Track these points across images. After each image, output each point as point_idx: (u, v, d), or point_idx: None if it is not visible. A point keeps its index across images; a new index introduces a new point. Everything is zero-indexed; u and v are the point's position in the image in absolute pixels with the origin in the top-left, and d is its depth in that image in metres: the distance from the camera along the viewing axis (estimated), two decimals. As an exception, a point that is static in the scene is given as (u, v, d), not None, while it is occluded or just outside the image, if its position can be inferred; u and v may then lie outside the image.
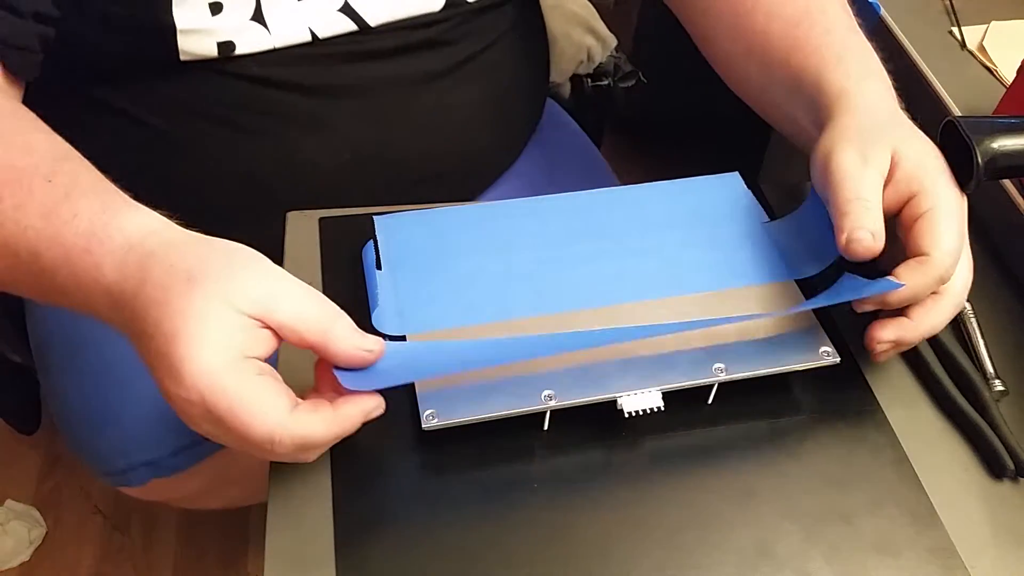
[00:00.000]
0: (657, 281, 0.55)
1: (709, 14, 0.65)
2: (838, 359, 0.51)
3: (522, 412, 0.49)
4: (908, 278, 0.48)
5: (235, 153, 0.60)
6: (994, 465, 0.51)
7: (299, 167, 0.70)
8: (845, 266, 0.52)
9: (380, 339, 0.46)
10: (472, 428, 0.48)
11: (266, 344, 0.44)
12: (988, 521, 0.49)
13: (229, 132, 0.67)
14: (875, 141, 0.51)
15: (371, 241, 0.57)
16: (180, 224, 0.48)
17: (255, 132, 0.65)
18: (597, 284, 0.55)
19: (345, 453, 0.49)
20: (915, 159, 0.50)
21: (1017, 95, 0.66)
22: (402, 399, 0.49)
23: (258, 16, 0.63)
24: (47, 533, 1.21)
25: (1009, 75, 0.73)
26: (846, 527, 0.48)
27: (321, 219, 0.61)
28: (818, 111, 0.55)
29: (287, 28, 0.64)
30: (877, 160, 0.50)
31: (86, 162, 0.51)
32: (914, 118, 0.54)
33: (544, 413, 0.49)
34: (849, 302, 0.51)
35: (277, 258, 0.59)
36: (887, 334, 0.50)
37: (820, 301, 0.52)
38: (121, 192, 0.49)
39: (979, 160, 0.49)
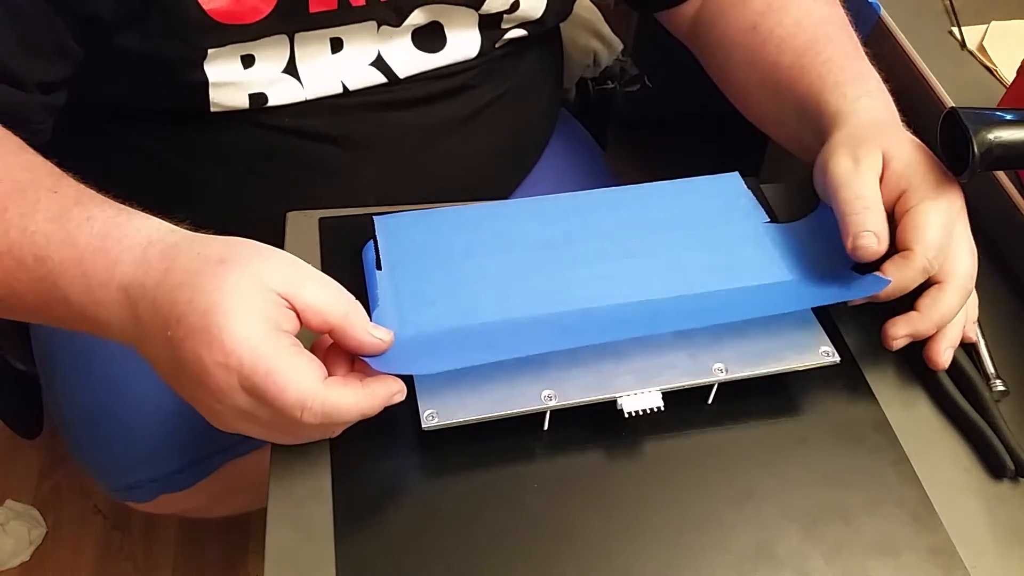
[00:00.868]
0: (657, 281, 0.55)
1: (726, 50, 0.69)
2: (838, 359, 0.51)
3: (522, 412, 0.49)
4: (892, 273, 0.51)
5: (261, 199, 0.61)
6: (994, 465, 0.51)
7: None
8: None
9: (390, 331, 0.48)
10: (472, 428, 0.48)
11: (292, 323, 0.45)
12: (988, 521, 0.49)
13: (256, 179, 0.67)
14: (866, 144, 0.54)
15: (371, 241, 0.57)
16: None
17: (282, 180, 0.66)
18: (597, 284, 0.55)
19: (345, 453, 0.49)
20: (904, 158, 0.53)
21: (1017, 95, 0.66)
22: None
23: (291, 69, 0.63)
24: (47, 533, 1.21)
25: (1009, 75, 0.73)
26: (846, 527, 0.48)
27: (321, 219, 0.61)
28: (820, 133, 0.58)
29: (320, 81, 0.64)
30: (869, 160, 0.53)
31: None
32: (914, 117, 0.55)
33: (544, 413, 0.49)
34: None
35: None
36: (900, 330, 0.52)
37: (812, 301, 0.53)
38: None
39: (975, 150, 0.50)
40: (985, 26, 0.78)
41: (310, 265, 0.47)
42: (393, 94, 0.68)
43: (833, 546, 0.47)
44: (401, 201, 0.63)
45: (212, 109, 0.63)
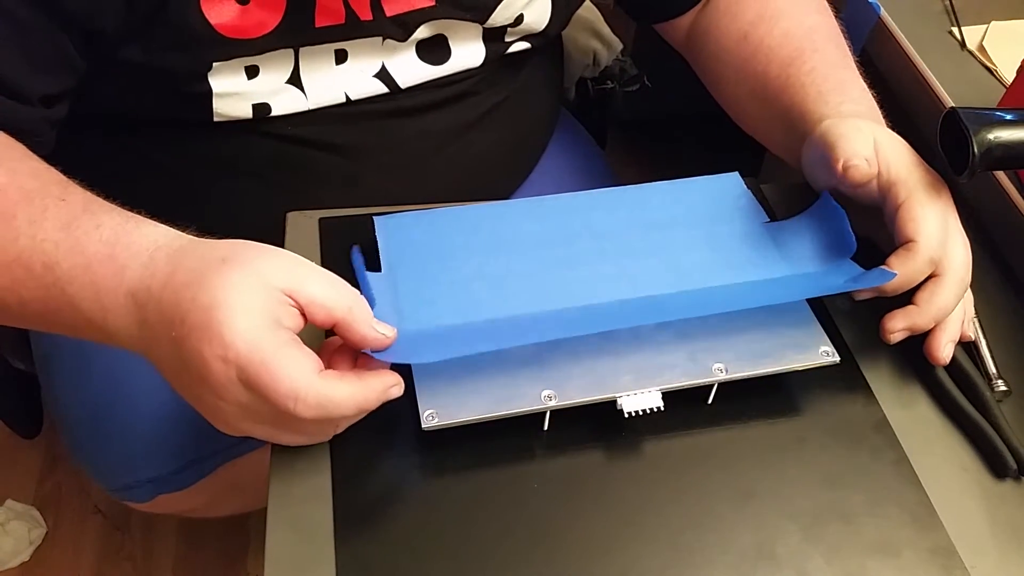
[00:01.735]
0: (657, 281, 0.55)
1: (719, 60, 0.69)
2: (837, 359, 0.51)
3: (522, 412, 0.48)
4: (899, 266, 0.51)
5: (264, 207, 0.61)
6: (996, 465, 0.51)
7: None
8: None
9: (393, 327, 0.48)
10: (472, 428, 0.48)
11: (295, 319, 0.45)
12: (988, 521, 0.49)
13: (259, 186, 0.67)
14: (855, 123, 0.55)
15: (356, 247, 0.56)
16: None
17: (284, 186, 0.66)
18: (597, 284, 0.55)
19: (345, 453, 0.49)
20: (891, 149, 0.54)
21: (1017, 95, 0.66)
22: (402, 399, 0.49)
23: (295, 79, 0.63)
24: (47, 533, 1.21)
25: (1009, 75, 0.73)
26: (846, 527, 0.48)
27: (321, 219, 0.61)
28: (805, 140, 0.58)
29: (323, 91, 0.65)
30: (864, 127, 0.54)
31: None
32: (914, 118, 0.55)
33: (544, 413, 0.49)
34: (847, 293, 0.53)
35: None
36: (898, 324, 0.52)
37: (814, 287, 0.53)
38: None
39: (975, 150, 0.50)
40: (985, 26, 0.78)
41: (313, 263, 0.47)
42: (395, 103, 0.68)
43: (833, 546, 0.47)
44: (402, 204, 0.63)
45: (215, 119, 0.63)
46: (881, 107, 0.61)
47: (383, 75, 0.66)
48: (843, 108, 0.58)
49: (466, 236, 0.57)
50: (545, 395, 0.49)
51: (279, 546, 0.46)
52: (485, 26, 0.67)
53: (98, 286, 0.47)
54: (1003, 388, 0.54)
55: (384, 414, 0.49)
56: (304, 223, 0.61)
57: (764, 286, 0.55)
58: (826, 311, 0.57)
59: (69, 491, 1.25)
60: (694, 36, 0.73)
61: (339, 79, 0.65)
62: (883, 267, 0.51)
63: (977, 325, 0.57)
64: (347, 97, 0.66)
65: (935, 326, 0.52)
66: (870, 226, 0.56)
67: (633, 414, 0.49)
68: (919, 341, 0.53)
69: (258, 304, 0.44)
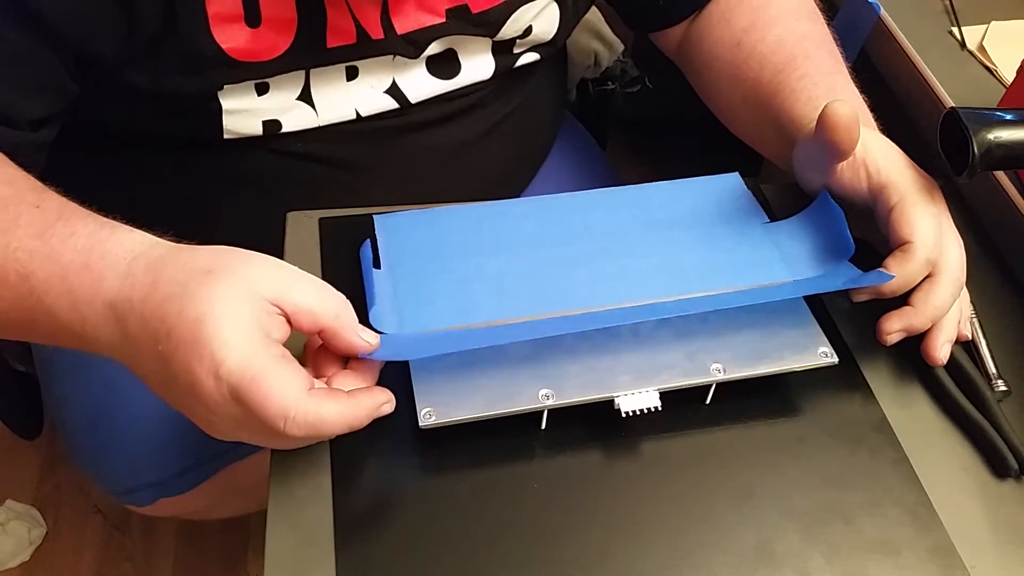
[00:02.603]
0: (657, 281, 0.55)
1: (712, 67, 0.69)
2: (836, 359, 0.51)
3: (519, 411, 0.48)
4: (896, 268, 0.51)
5: (272, 222, 0.61)
6: (997, 465, 0.51)
7: None
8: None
9: (377, 334, 0.48)
10: (470, 427, 0.48)
11: (282, 329, 0.45)
12: (988, 521, 0.49)
13: (268, 202, 0.67)
14: None
15: (368, 240, 0.57)
16: None
17: (294, 202, 0.66)
18: (597, 284, 0.55)
19: (345, 453, 0.49)
20: (880, 152, 0.54)
21: (1017, 95, 0.66)
22: (400, 398, 0.49)
23: (305, 96, 0.63)
24: (47, 533, 1.21)
25: (1009, 75, 0.73)
26: (846, 527, 0.48)
27: (321, 219, 0.61)
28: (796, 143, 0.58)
29: (334, 108, 0.65)
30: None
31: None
32: (914, 118, 0.55)
33: (542, 412, 0.49)
34: (844, 293, 0.53)
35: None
36: (894, 325, 0.52)
37: (812, 288, 0.53)
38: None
39: (975, 150, 0.50)
40: (985, 26, 0.78)
41: (298, 268, 0.47)
42: (406, 118, 0.68)
43: (833, 546, 0.47)
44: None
45: (225, 136, 0.63)
46: (880, 108, 0.61)
47: (393, 91, 0.66)
48: None
49: (466, 235, 0.57)
50: (543, 394, 0.49)
51: (279, 546, 0.46)
52: (495, 39, 0.67)
53: (75, 296, 0.46)
54: (1003, 388, 0.54)
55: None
56: (304, 223, 0.61)
57: (761, 288, 0.55)
58: (826, 311, 0.57)
59: (69, 491, 1.25)
60: (688, 44, 0.73)
61: (350, 96, 0.65)
62: (880, 269, 0.51)
63: (977, 325, 0.57)
64: (357, 113, 0.66)
65: (931, 327, 0.52)
66: (864, 227, 0.55)
67: (630, 414, 0.49)
68: (918, 341, 0.53)
69: (248, 316, 0.43)
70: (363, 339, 0.47)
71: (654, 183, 0.62)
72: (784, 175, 0.62)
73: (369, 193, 0.70)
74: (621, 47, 1.17)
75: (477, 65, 0.68)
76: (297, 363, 0.44)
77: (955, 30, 0.78)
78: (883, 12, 0.78)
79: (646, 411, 0.49)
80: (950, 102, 0.70)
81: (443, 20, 0.63)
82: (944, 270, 0.52)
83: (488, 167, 0.76)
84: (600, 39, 1.15)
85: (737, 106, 0.67)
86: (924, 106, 0.72)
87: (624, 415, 0.49)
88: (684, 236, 0.58)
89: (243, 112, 0.62)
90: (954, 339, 0.53)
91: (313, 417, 0.43)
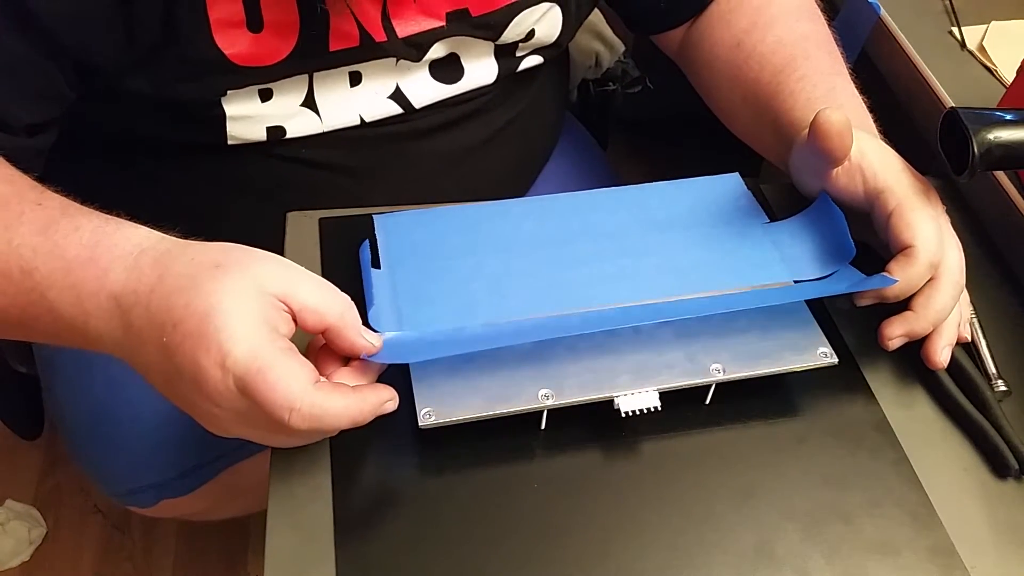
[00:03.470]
0: (657, 281, 0.55)
1: (713, 67, 0.69)
2: (836, 360, 0.51)
3: (519, 411, 0.48)
4: (899, 272, 0.51)
5: (277, 227, 0.60)
6: (998, 464, 0.51)
7: None
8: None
9: (380, 336, 0.48)
10: (470, 427, 0.48)
11: (288, 325, 0.45)
12: (988, 521, 0.49)
13: (272, 208, 0.67)
14: None
15: (367, 240, 0.57)
16: None
17: (298, 208, 0.66)
18: (597, 284, 0.55)
19: (345, 453, 0.49)
20: (877, 157, 0.53)
21: (1017, 95, 0.66)
22: (400, 398, 0.49)
23: (310, 102, 0.63)
24: (47, 533, 1.21)
25: (1009, 75, 0.73)
26: (846, 527, 0.48)
27: (321, 219, 0.61)
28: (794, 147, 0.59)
29: (338, 114, 0.64)
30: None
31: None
32: (914, 118, 0.55)
33: (541, 412, 0.49)
34: (847, 297, 0.53)
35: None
36: (896, 331, 0.52)
37: (816, 291, 0.53)
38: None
39: (975, 150, 0.50)
40: (985, 26, 0.78)
41: (304, 268, 0.47)
42: (410, 124, 0.68)
43: (833, 546, 0.47)
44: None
45: (229, 142, 0.63)
46: (880, 108, 0.61)
47: (397, 96, 0.66)
48: None
49: (466, 235, 0.57)
50: (542, 394, 0.49)
51: (279, 546, 0.46)
52: (497, 43, 0.67)
53: (79, 289, 0.46)
54: (1003, 388, 0.54)
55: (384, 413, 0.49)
56: (304, 223, 0.61)
57: (764, 291, 0.55)
58: (826, 312, 0.57)
59: (69, 491, 1.25)
60: (688, 45, 0.73)
61: (354, 101, 0.64)
62: (883, 274, 0.51)
63: (977, 325, 0.57)
64: (362, 119, 0.65)
65: (932, 331, 0.52)
66: (863, 230, 0.55)
67: (631, 414, 0.49)
68: (919, 343, 0.53)
69: (255, 310, 0.43)
70: (366, 340, 0.47)
71: (654, 183, 0.62)
72: (784, 175, 0.62)
73: (373, 198, 0.70)
74: (622, 48, 1.17)
75: (480, 69, 0.68)
76: (303, 357, 0.45)
77: (955, 30, 0.78)
78: (883, 12, 0.78)
79: (646, 411, 0.49)
80: (950, 102, 0.70)
81: (443, 23, 0.63)
82: (945, 274, 0.51)
83: (491, 172, 0.76)
84: (601, 40, 1.15)
85: (737, 106, 0.68)
86: (924, 106, 0.72)
87: (624, 415, 0.49)
88: (684, 236, 0.58)
89: (247, 119, 0.61)
90: (954, 342, 0.53)
91: (318, 410, 0.43)
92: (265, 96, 0.61)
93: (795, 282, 0.55)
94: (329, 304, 0.46)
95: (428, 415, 0.48)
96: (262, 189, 0.68)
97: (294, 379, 0.43)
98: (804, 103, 0.60)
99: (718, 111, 0.71)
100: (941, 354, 0.52)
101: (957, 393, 0.53)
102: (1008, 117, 0.52)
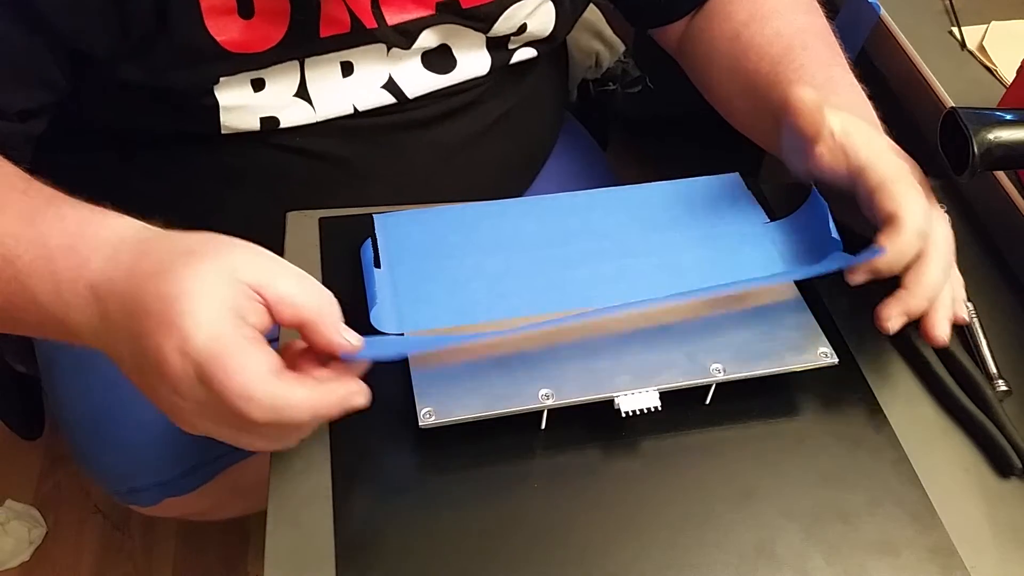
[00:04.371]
0: (656, 281, 0.55)
1: (712, 60, 0.70)
2: (836, 360, 0.51)
3: (519, 411, 0.48)
4: (887, 242, 0.50)
5: (271, 219, 0.60)
6: (1000, 464, 0.51)
7: None
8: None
9: (360, 336, 0.46)
10: (470, 427, 0.48)
11: (261, 316, 0.43)
12: (988, 521, 0.49)
13: (266, 199, 0.67)
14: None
15: (369, 239, 0.57)
16: None
17: (292, 199, 0.66)
18: (596, 284, 0.55)
19: (345, 453, 0.49)
20: (861, 137, 0.53)
21: (1017, 95, 0.66)
22: (400, 397, 0.49)
23: (302, 92, 0.63)
24: (47, 533, 1.21)
25: (1009, 75, 0.73)
26: (846, 527, 0.48)
27: (321, 219, 0.61)
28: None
29: (331, 103, 0.64)
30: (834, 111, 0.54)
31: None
32: (914, 118, 0.55)
33: (541, 412, 0.49)
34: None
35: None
36: (891, 310, 0.51)
37: (807, 272, 0.53)
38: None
39: (975, 150, 0.50)
40: (985, 26, 0.78)
41: (304, 268, 0.46)
42: (404, 115, 0.68)
43: (833, 546, 0.47)
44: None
45: (223, 132, 0.62)
46: (880, 107, 0.61)
47: (390, 86, 0.66)
48: (830, 101, 0.57)
49: (466, 235, 0.57)
50: (542, 394, 0.49)
51: (279, 546, 0.46)
52: (488, 35, 0.67)
53: (58, 278, 0.45)
54: (1004, 388, 0.54)
55: (384, 413, 0.49)
56: (304, 223, 0.61)
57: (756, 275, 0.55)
58: (826, 311, 0.57)
59: (69, 491, 1.25)
60: (688, 39, 0.73)
61: (346, 91, 0.64)
62: (872, 247, 0.50)
63: (977, 325, 0.57)
64: (355, 109, 0.65)
65: (929, 308, 0.51)
66: (853, 214, 0.55)
67: (631, 414, 0.49)
68: (919, 342, 0.53)
69: (223, 296, 0.42)
70: (345, 338, 0.45)
71: (654, 183, 0.62)
72: (784, 175, 0.62)
73: (368, 191, 0.70)
74: (622, 47, 1.17)
75: (472, 60, 0.68)
76: (269, 347, 0.43)
77: (955, 30, 0.78)
78: (883, 12, 0.78)
79: (646, 411, 0.49)
80: (950, 102, 0.70)
81: (432, 12, 0.63)
82: (933, 247, 0.51)
83: (487, 166, 0.76)
84: (601, 39, 1.15)
85: (736, 98, 0.68)
86: (924, 106, 0.72)
87: (624, 415, 0.49)
88: (684, 236, 0.58)
89: (240, 108, 0.61)
90: (952, 319, 0.52)
91: (279, 400, 0.41)
92: (258, 86, 0.61)
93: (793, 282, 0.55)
94: (306, 298, 0.44)
95: (428, 415, 0.48)
96: (258, 180, 0.68)
97: (253, 367, 0.41)
98: None
99: (717, 103, 0.71)
100: (939, 327, 0.51)
101: (958, 392, 0.53)
102: (1008, 117, 0.52)
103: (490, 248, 0.57)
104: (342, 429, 0.49)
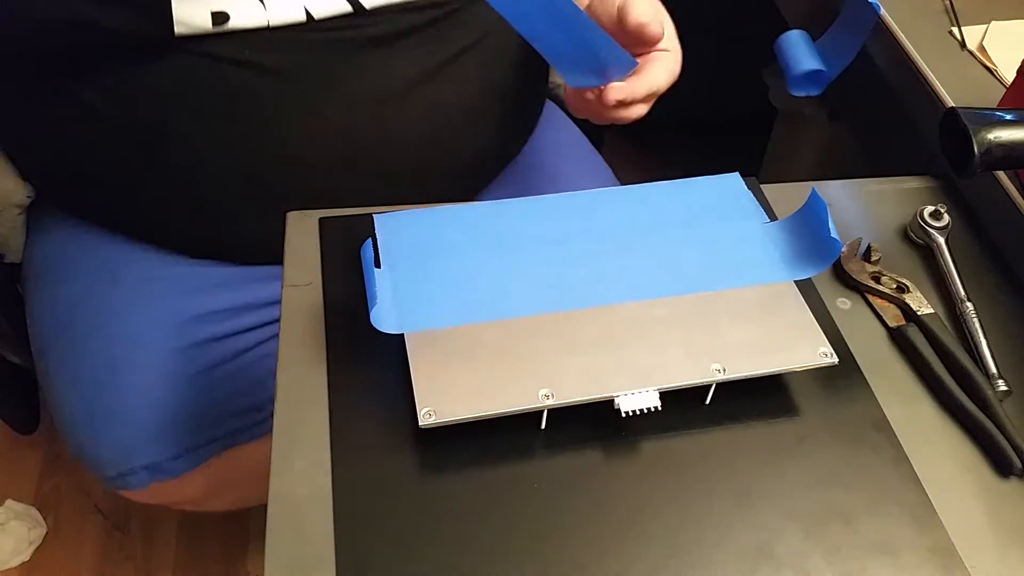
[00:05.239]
0: (656, 281, 0.55)
1: None
2: (836, 360, 0.51)
3: (519, 411, 0.48)
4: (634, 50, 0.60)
5: (227, 144, 0.59)
6: (1000, 464, 0.51)
7: (293, 159, 0.69)
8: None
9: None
10: (470, 426, 0.48)
11: None
12: (988, 521, 0.49)
13: (220, 122, 0.65)
14: None
15: (369, 239, 0.57)
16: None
17: (247, 122, 0.64)
18: (596, 284, 0.55)
19: (345, 453, 0.49)
20: None
21: (1017, 95, 0.66)
22: (400, 397, 0.49)
23: None
24: (47, 533, 1.21)
25: (1009, 75, 0.73)
26: (846, 527, 0.48)
27: (321, 219, 0.61)
28: None
29: (283, 5, 0.63)
30: None
31: None
32: (914, 118, 0.55)
33: (541, 412, 0.49)
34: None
35: (277, 256, 0.59)
36: (618, 94, 0.60)
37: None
38: None
39: (975, 150, 0.50)
40: (985, 26, 0.78)
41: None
42: (358, 30, 0.66)
43: (833, 546, 0.47)
44: (371, 152, 0.63)
45: (176, 30, 0.61)
46: (880, 107, 0.61)
47: None
48: None
49: (466, 235, 0.57)
50: (542, 394, 0.49)
51: (279, 546, 0.46)
52: None
53: None
54: (1004, 388, 0.54)
55: (384, 413, 0.49)
56: (304, 223, 0.61)
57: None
58: (826, 311, 0.57)
59: (69, 491, 1.25)
60: None
61: None
62: (627, 53, 0.59)
63: (978, 325, 0.57)
64: (308, 14, 0.64)
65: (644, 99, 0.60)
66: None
67: (631, 413, 0.49)
68: (919, 342, 0.53)
69: None
70: None
71: (654, 183, 0.62)
72: (784, 175, 0.62)
73: (325, 117, 0.68)
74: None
75: None
76: None
77: (955, 30, 0.78)
78: (883, 12, 0.78)
79: (646, 411, 0.49)
80: (950, 102, 0.70)
81: None
82: (671, 52, 0.60)
83: (450, 109, 0.74)
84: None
85: None
86: (924, 106, 0.72)
87: (624, 415, 0.49)
88: (684, 236, 0.58)
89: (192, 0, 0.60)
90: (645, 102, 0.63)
91: None
92: None
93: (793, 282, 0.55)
94: None
95: (428, 415, 0.48)
96: (207, 99, 0.66)
97: None
98: None
99: None
100: (636, 110, 0.62)
101: (958, 392, 0.53)
102: (1008, 117, 0.52)
103: (490, 248, 0.57)
104: (342, 429, 0.49)
